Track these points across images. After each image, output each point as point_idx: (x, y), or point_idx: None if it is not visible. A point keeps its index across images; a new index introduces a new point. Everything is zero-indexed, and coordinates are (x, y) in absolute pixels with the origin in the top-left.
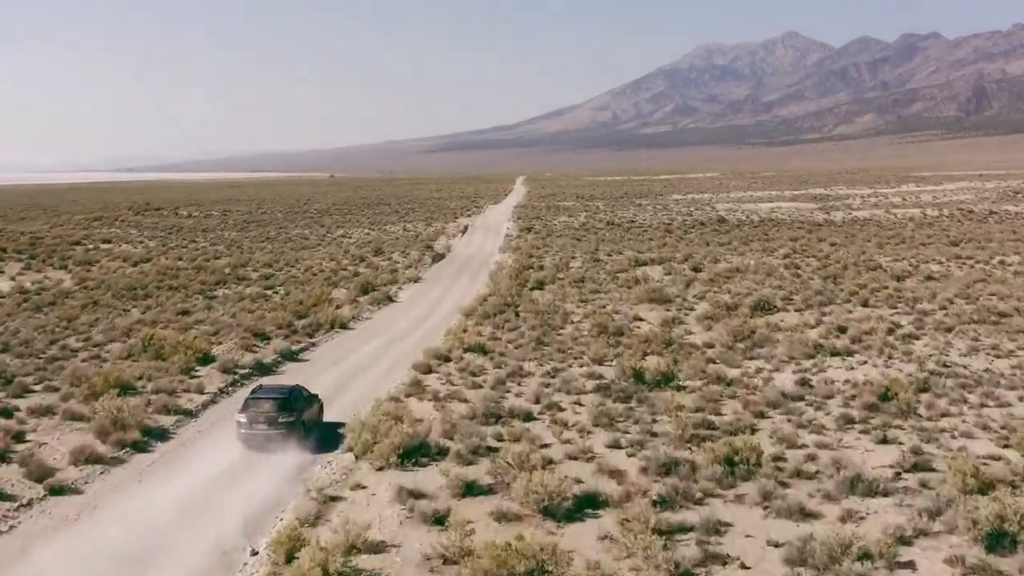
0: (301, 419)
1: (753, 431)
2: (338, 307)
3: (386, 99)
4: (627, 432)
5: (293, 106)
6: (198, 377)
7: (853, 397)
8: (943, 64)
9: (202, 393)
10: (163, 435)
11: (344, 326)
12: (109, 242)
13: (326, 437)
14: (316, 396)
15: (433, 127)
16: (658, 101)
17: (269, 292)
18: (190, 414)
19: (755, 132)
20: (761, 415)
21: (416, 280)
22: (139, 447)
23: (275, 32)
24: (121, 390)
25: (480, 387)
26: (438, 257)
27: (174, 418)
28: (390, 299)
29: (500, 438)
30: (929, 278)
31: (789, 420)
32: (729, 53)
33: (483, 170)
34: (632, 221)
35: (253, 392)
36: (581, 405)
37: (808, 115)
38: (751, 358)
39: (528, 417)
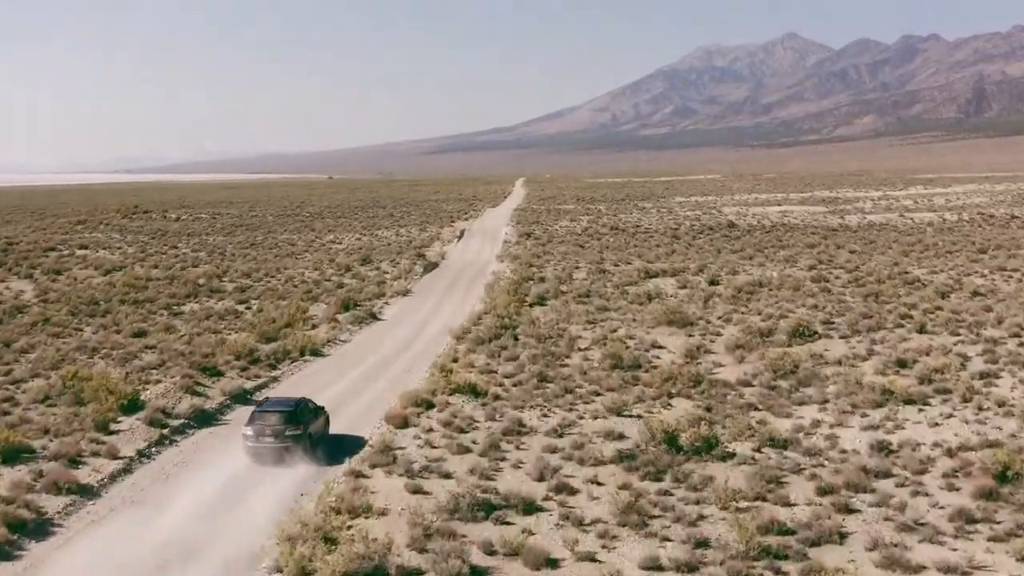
0: (308, 432)
1: (842, 538)
2: (314, 326)
3: (386, 101)
4: (667, 538)
5: (294, 108)
6: (117, 432)
7: (955, 473)
8: (943, 66)
9: (114, 458)
10: (42, 529)
11: (317, 352)
12: (86, 248)
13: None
14: (322, 408)
15: (432, 129)
16: (657, 103)
17: (242, 308)
18: (89, 492)
19: (754, 134)
20: (846, 508)
21: (405, 293)
22: (1, 552)
23: (273, 34)
24: (9, 457)
25: (468, 451)
26: (431, 266)
27: (66, 500)
28: (374, 316)
29: (490, 549)
30: (976, 294)
31: (886, 517)
32: (728, 54)
33: (482, 172)
34: (637, 226)
35: (260, 405)
36: (599, 484)
37: (808, 116)
38: (800, 403)
39: (530, 507)
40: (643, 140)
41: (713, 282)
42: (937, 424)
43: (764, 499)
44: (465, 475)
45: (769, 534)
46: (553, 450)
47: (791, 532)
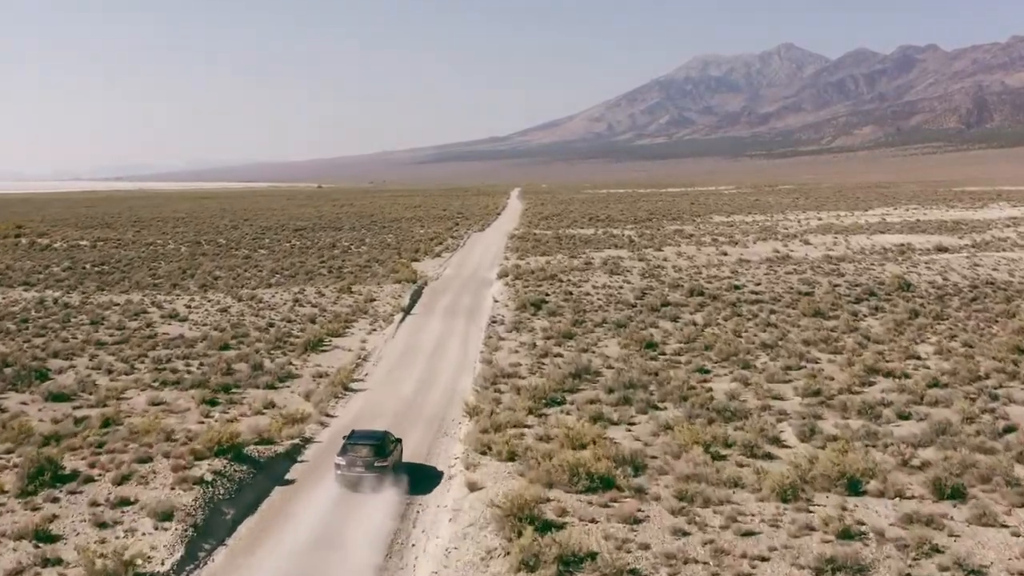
0: (393, 462)
1: None
2: None
3: (384, 111)
4: None
5: (295, 117)
6: None
7: None
8: (941, 76)
9: None
10: None
11: None
12: None
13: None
14: (400, 439)
15: (429, 138)
16: (653, 112)
17: None
18: None
19: (752, 144)
20: None
21: None
22: None
23: (275, 44)
24: None
25: None
26: (277, 480)
27: None
28: None
29: None
30: None
31: None
32: (725, 64)
33: (477, 180)
34: (737, 286)
35: (349, 436)
36: None
37: (805, 127)
38: None
39: None
40: (639, 150)
41: None
42: None
43: None
44: None
45: None
46: None
47: None
